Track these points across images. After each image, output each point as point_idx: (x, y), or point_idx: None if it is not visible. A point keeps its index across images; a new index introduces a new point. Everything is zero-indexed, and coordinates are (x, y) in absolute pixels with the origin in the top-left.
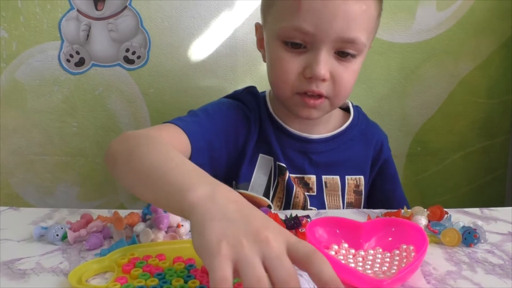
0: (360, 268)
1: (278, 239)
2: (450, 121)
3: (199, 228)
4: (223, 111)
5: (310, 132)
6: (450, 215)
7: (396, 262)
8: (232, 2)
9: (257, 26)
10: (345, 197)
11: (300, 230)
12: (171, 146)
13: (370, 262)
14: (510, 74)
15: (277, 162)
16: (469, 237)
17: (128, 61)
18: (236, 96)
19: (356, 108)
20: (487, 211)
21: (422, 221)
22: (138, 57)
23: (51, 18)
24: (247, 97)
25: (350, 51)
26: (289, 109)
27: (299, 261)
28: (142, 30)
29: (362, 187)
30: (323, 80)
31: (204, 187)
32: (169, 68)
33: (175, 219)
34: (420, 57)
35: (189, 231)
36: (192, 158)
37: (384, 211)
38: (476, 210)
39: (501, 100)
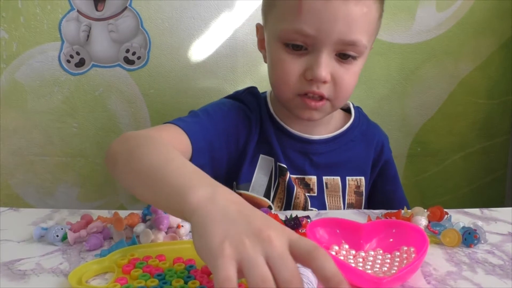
0: (360, 269)
1: (280, 237)
2: (450, 121)
3: (201, 229)
4: (224, 112)
5: (311, 133)
6: (450, 216)
7: (397, 263)
8: (232, 2)
9: (258, 27)
10: (346, 198)
11: (300, 230)
12: (171, 147)
13: (370, 263)
14: (510, 74)
15: (278, 163)
16: (469, 237)
17: (128, 61)
18: (237, 97)
19: (357, 109)
20: (487, 212)
21: (422, 221)
22: (138, 58)
23: (52, 18)
24: (248, 98)
25: (351, 53)
26: (290, 110)
27: (302, 258)
28: (142, 30)
29: (363, 188)
30: (324, 82)
31: (205, 188)
32: (169, 68)
33: (175, 219)
34: (420, 57)
35: (189, 231)
36: (193, 158)
37: (384, 211)
38: (476, 211)
39: (501, 100)
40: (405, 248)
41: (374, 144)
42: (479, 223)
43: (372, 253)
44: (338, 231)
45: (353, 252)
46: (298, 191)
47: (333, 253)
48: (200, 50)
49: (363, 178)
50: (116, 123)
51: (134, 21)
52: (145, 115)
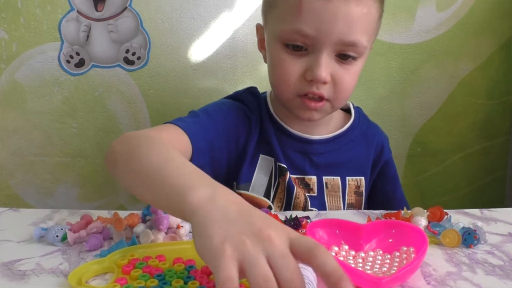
0: (360, 269)
1: (281, 236)
2: (450, 122)
3: (201, 230)
4: (224, 112)
5: (311, 133)
6: (450, 216)
7: (396, 264)
8: (232, 3)
9: (258, 27)
10: (346, 198)
11: (300, 231)
12: (171, 147)
13: (370, 264)
14: (510, 75)
15: (278, 163)
16: (469, 238)
17: (128, 62)
18: (237, 97)
19: (357, 109)
20: (487, 212)
21: (422, 222)
22: (138, 58)
23: (51, 19)
24: (248, 98)
25: (351, 53)
26: (290, 110)
27: (303, 255)
28: (142, 31)
29: (363, 188)
30: (324, 83)
31: (205, 189)
32: (169, 69)
33: (175, 220)
34: (420, 58)
35: (189, 232)
36: (193, 158)
37: (384, 212)
38: (476, 211)
39: (501, 101)
40: (405, 248)
41: (374, 145)
42: (479, 223)
43: (372, 253)
44: (337, 231)
45: (353, 252)
46: (298, 191)
47: (333, 253)
48: (200, 51)
49: (363, 178)
50: (116, 123)
51: (134, 21)
52: (145, 116)
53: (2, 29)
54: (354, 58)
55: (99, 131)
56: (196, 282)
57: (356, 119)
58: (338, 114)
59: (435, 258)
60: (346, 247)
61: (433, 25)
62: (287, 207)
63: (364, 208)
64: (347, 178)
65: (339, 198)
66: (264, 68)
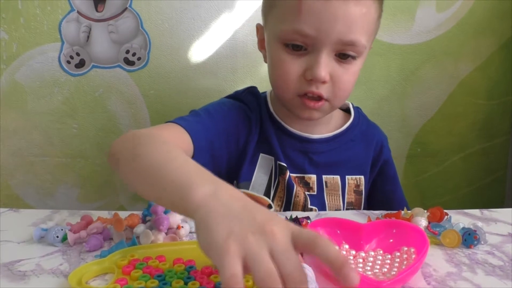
0: (360, 270)
1: (283, 231)
2: (450, 122)
3: (204, 226)
4: (224, 111)
5: (311, 132)
6: (450, 216)
7: (397, 264)
8: (232, 3)
9: (258, 27)
10: (346, 196)
11: None
12: (173, 145)
13: (370, 264)
14: (510, 75)
15: (278, 162)
16: (469, 238)
17: (128, 62)
18: (237, 96)
19: (357, 109)
20: (487, 212)
21: (422, 222)
22: (138, 59)
23: (52, 19)
24: (248, 97)
25: (351, 53)
26: (290, 110)
27: (305, 246)
28: (142, 31)
29: (363, 187)
30: (324, 82)
31: (207, 185)
32: (169, 69)
33: (175, 220)
34: (420, 58)
35: (189, 232)
36: (194, 157)
37: (384, 212)
38: (476, 211)
39: (501, 101)
40: (405, 248)
41: (373, 144)
42: (479, 224)
43: (372, 253)
44: (338, 231)
45: (353, 252)
46: (298, 190)
47: None
48: (200, 51)
49: (362, 177)
50: (116, 124)
51: (134, 22)
52: (145, 116)
53: (2, 30)
54: (353, 58)
55: (99, 132)
56: (196, 283)
57: (355, 118)
58: (338, 114)
59: (435, 259)
60: (347, 246)
61: (433, 25)
62: (287, 206)
63: (364, 207)
64: (346, 177)
65: (339, 196)
66: (264, 68)
